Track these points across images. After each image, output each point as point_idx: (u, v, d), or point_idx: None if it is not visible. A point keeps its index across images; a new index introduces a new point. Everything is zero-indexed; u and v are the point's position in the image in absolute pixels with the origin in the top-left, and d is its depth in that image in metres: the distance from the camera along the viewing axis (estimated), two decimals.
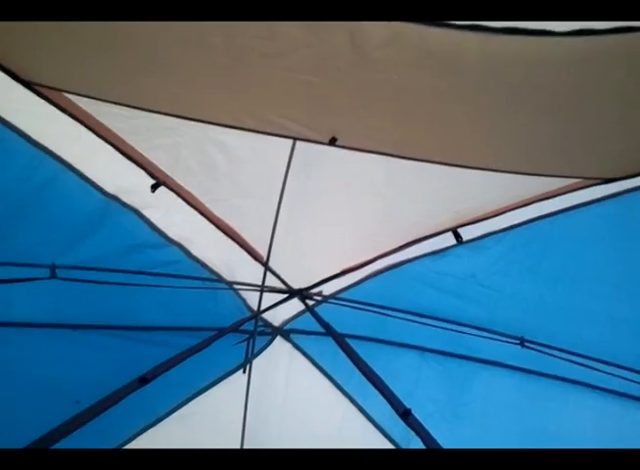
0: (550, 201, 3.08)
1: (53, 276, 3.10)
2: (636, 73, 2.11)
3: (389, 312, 3.67)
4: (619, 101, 2.27)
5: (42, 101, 2.51)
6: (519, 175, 2.84)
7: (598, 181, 2.87)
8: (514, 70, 2.07)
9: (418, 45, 1.97)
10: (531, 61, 2.01)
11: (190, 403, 3.88)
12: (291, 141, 2.82)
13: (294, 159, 2.97)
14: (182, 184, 3.10)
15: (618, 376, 3.36)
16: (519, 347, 3.59)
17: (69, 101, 2.54)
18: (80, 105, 2.58)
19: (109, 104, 2.52)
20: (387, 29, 1.93)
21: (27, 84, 2.39)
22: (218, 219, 3.33)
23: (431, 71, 2.11)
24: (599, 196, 3.03)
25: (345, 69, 2.13)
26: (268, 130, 2.60)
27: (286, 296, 3.78)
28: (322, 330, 3.29)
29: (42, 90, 2.45)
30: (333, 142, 2.62)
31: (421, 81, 2.18)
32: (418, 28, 1.90)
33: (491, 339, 3.60)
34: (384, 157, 2.77)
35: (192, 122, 2.61)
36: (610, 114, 2.34)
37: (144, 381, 2.41)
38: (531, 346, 3.57)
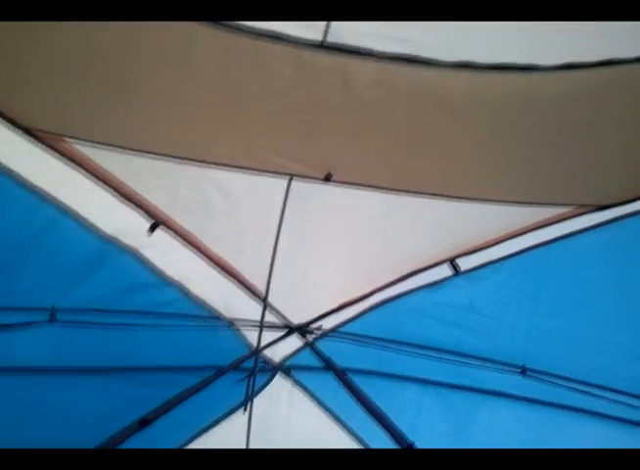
0: (546, 229, 3.10)
1: (53, 320, 3.10)
2: (623, 104, 2.16)
3: (390, 345, 3.66)
4: (612, 131, 2.32)
5: (40, 146, 2.53)
6: (514, 205, 2.88)
7: (593, 208, 2.91)
8: (505, 105, 2.12)
9: (407, 85, 2.04)
10: (521, 96, 2.06)
11: (191, 444, 3.84)
12: (287, 178, 2.85)
13: (290, 195, 2.99)
14: (180, 223, 3.12)
15: (620, 402, 3.35)
16: (520, 376, 3.58)
17: (68, 145, 2.57)
18: (79, 148, 2.61)
19: (107, 147, 2.55)
20: (376, 70, 1.98)
21: (27, 130, 2.42)
22: (216, 257, 3.34)
23: (422, 108, 2.16)
24: (594, 223, 3.05)
25: (338, 108, 2.18)
26: (264, 169, 2.64)
27: (285, 332, 3.77)
28: (323, 365, 3.28)
29: (41, 135, 2.47)
30: (328, 178, 2.65)
31: (412, 119, 2.23)
32: (406, 69, 1.96)
33: (492, 369, 3.59)
34: (379, 190, 2.80)
35: (189, 162, 2.65)
36: (603, 143, 2.39)
37: (145, 423, 2.40)
38: (533, 374, 3.56)
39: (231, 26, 1.87)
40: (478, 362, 3.62)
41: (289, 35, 1.90)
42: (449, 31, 1.91)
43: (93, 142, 2.52)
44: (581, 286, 3.35)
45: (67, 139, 2.52)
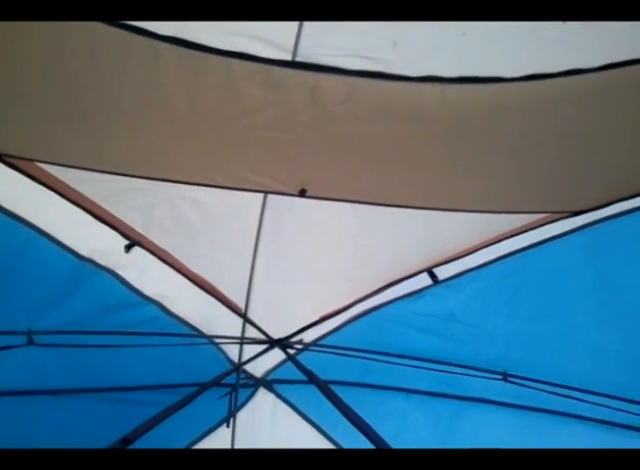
0: (522, 236, 3.13)
1: (30, 343, 3.08)
2: (590, 112, 2.19)
3: (371, 356, 3.67)
4: (581, 138, 2.35)
5: (11, 170, 2.52)
6: (488, 213, 2.91)
7: (566, 214, 2.94)
8: (472, 116, 2.13)
9: (376, 99, 2.05)
10: (488, 107, 2.08)
11: None
12: (262, 194, 2.86)
13: (266, 210, 3.01)
14: (157, 242, 3.11)
15: (603, 405, 3.37)
16: (502, 382, 3.60)
17: (40, 169, 2.56)
18: (51, 172, 2.60)
19: (79, 169, 2.54)
20: (345, 86, 1.99)
21: None
22: (194, 275, 3.34)
23: (392, 122, 2.17)
24: (568, 229, 3.08)
25: (309, 124, 2.19)
26: (239, 186, 2.64)
27: (266, 346, 3.77)
28: (305, 378, 3.27)
29: (13, 161, 2.46)
30: (303, 193, 2.66)
31: (383, 132, 2.24)
32: (374, 84, 1.97)
33: (474, 376, 3.60)
34: (355, 203, 2.81)
35: (163, 182, 2.64)
36: (572, 150, 2.42)
37: (126, 442, 2.37)
38: (514, 380, 3.58)
39: (198, 47, 1.88)
40: (460, 370, 3.63)
41: (257, 55, 1.91)
42: (415, 47, 1.93)
43: (64, 166, 2.51)
44: (559, 291, 3.37)
45: (38, 163, 2.51)
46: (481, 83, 1.99)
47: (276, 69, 1.95)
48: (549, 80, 1.97)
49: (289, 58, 1.92)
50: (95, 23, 1.77)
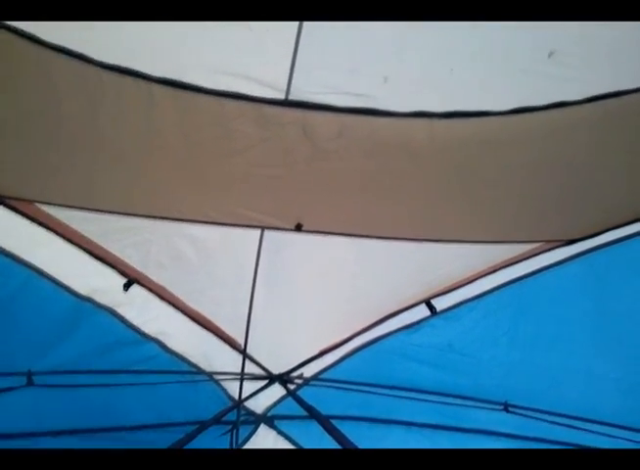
0: (518, 265, 3.15)
1: (30, 384, 3.07)
2: (578, 143, 2.23)
3: (372, 389, 3.66)
4: (571, 169, 2.39)
5: (10, 211, 2.55)
6: (484, 244, 2.93)
7: (560, 243, 2.96)
8: (462, 149, 2.18)
9: (367, 134, 2.09)
10: (477, 140, 2.12)
11: None
12: (259, 229, 2.88)
13: (263, 245, 3.02)
14: (155, 280, 3.13)
15: (604, 434, 3.36)
16: (503, 412, 3.59)
17: (38, 209, 2.59)
18: (49, 211, 2.63)
19: (77, 209, 2.57)
20: (336, 123, 2.04)
21: None
22: (193, 311, 3.34)
23: (383, 157, 2.22)
24: (564, 257, 3.10)
25: (302, 160, 2.23)
26: (235, 222, 2.67)
27: (266, 382, 3.75)
28: (306, 414, 3.26)
29: (10, 202, 2.49)
30: (299, 228, 2.69)
31: (375, 166, 2.28)
32: (365, 120, 2.01)
33: (475, 407, 3.59)
34: (351, 236, 2.84)
35: (160, 220, 2.67)
36: (564, 181, 2.46)
37: None
38: (515, 410, 3.57)
39: (190, 87, 1.92)
40: (460, 401, 3.62)
41: (248, 94, 1.95)
42: (404, 84, 1.97)
43: (62, 206, 2.54)
44: (557, 319, 3.38)
45: (36, 204, 2.54)
46: (470, 118, 2.03)
47: (268, 107, 1.99)
48: (535, 113, 2.02)
49: (281, 96, 1.97)
50: (89, 65, 1.82)
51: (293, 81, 1.93)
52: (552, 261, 3.14)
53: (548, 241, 2.98)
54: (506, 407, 3.59)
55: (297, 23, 1.77)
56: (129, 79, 1.85)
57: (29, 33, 1.73)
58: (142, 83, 1.87)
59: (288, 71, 1.89)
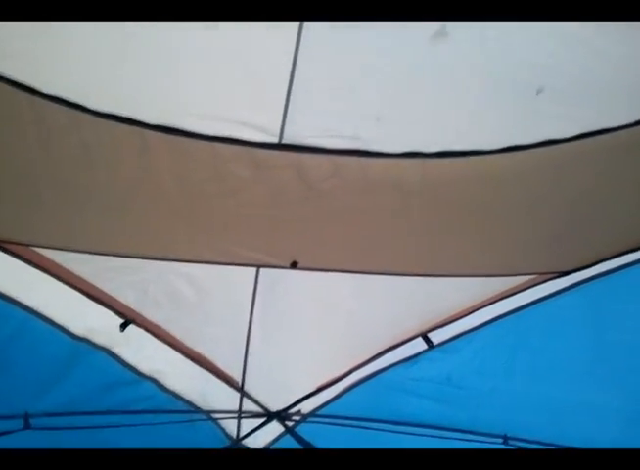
0: (514, 296, 3.15)
1: (27, 427, 3.05)
2: (571, 178, 2.26)
3: (370, 424, 3.64)
4: (564, 204, 2.42)
5: (4, 254, 2.55)
6: (479, 278, 2.95)
7: (555, 275, 2.97)
8: (455, 187, 2.20)
9: (360, 174, 2.12)
10: (470, 177, 2.15)
11: None
12: (254, 268, 2.89)
13: (259, 283, 3.03)
14: (151, 319, 3.12)
15: None
16: (503, 445, 3.57)
17: (33, 252, 2.60)
18: (44, 253, 2.64)
19: (72, 251, 2.58)
20: (329, 164, 2.06)
21: None
22: (190, 350, 3.33)
23: (377, 195, 2.24)
24: (559, 288, 3.11)
25: (296, 200, 2.25)
26: (231, 261, 2.68)
27: (264, 419, 3.73)
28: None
29: (6, 245, 2.50)
30: (294, 266, 2.69)
31: (369, 204, 2.31)
32: (358, 160, 2.04)
33: (474, 440, 3.57)
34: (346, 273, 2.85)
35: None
36: (556, 215, 2.48)
37: None
38: (515, 442, 3.55)
39: (184, 132, 1.95)
40: (459, 435, 3.60)
41: (243, 139, 1.98)
42: (396, 126, 2.00)
43: (57, 249, 2.55)
44: (556, 350, 3.37)
45: (31, 247, 2.55)
46: (461, 156, 2.06)
47: (261, 151, 2.02)
48: (526, 151, 2.04)
49: (275, 140, 1.99)
50: (84, 113, 1.84)
51: (286, 125, 1.95)
52: (550, 292, 3.14)
53: (542, 273, 2.99)
54: (506, 440, 3.57)
55: (289, 67, 1.79)
56: (124, 126, 1.87)
57: (24, 83, 1.75)
58: (136, 130, 1.89)
59: (281, 116, 1.92)
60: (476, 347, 3.43)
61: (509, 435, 3.56)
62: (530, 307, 3.22)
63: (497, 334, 3.37)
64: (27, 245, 2.54)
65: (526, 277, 3.03)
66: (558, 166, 2.16)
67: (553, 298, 3.15)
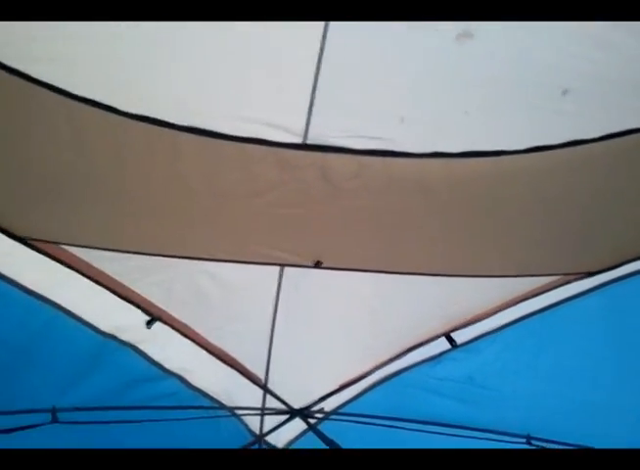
0: (537, 298, 3.14)
1: (54, 420, 3.11)
2: (595, 178, 2.25)
3: (392, 423, 3.65)
4: (589, 204, 2.41)
5: (35, 252, 2.60)
6: (502, 278, 2.95)
7: (580, 276, 2.96)
8: (479, 187, 2.21)
9: (385, 175, 2.13)
10: (494, 177, 2.15)
11: None
12: (279, 267, 2.92)
13: (283, 281, 3.05)
14: (177, 317, 3.17)
15: None
16: (526, 445, 3.56)
17: (63, 250, 2.65)
18: (74, 252, 2.68)
19: (101, 250, 2.63)
20: (354, 164, 2.08)
21: (23, 240, 2.50)
22: (214, 347, 3.37)
23: (401, 195, 2.26)
24: (584, 289, 3.10)
25: (321, 200, 2.27)
26: (256, 260, 2.71)
27: (287, 416, 3.76)
28: (327, 448, 3.26)
29: (37, 244, 2.55)
30: (318, 265, 2.72)
31: (393, 204, 2.32)
32: (382, 161, 2.05)
33: (497, 440, 3.56)
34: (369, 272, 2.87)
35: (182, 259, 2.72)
36: (581, 215, 2.48)
37: None
38: (538, 443, 3.54)
39: (213, 134, 1.98)
40: (482, 435, 3.59)
41: (269, 139, 2.01)
42: (421, 126, 2.01)
43: (87, 247, 2.60)
44: (579, 352, 3.36)
45: (61, 245, 2.60)
46: (485, 157, 2.07)
47: (287, 151, 2.04)
48: (551, 151, 2.04)
49: (299, 141, 2.02)
50: (116, 116, 1.88)
51: (310, 126, 1.97)
52: (572, 293, 3.13)
53: (566, 274, 2.98)
54: (529, 440, 3.56)
55: (314, 68, 1.81)
56: (155, 128, 1.91)
57: (57, 86, 1.79)
58: (167, 131, 1.92)
59: (305, 116, 1.94)
60: (499, 347, 3.44)
61: (532, 435, 3.55)
62: (554, 309, 3.22)
63: (521, 335, 3.37)
64: (58, 243, 2.59)
65: (551, 278, 3.02)
66: (583, 167, 2.16)
67: (577, 299, 3.14)
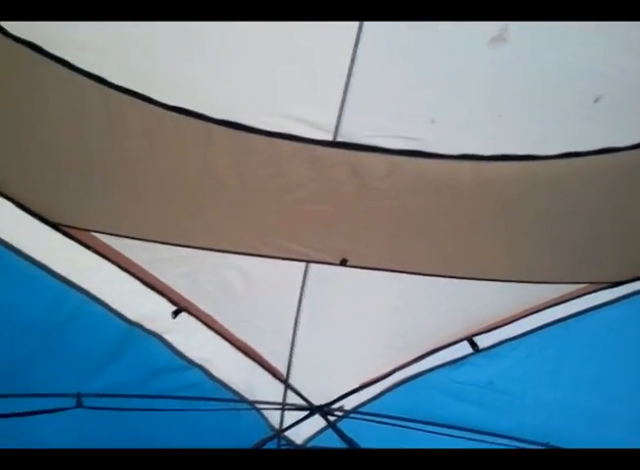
0: (561, 306, 3.12)
1: (79, 405, 3.16)
2: (625, 187, 2.24)
3: (411, 425, 3.64)
4: (615, 212, 2.40)
5: (67, 239, 2.66)
6: (527, 283, 2.94)
7: (605, 286, 2.94)
8: (508, 191, 2.21)
9: (415, 175, 2.14)
10: (523, 182, 2.16)
11: None
12: (304, 263, 2.94)
13: (308, 278, 3.08)
14: (202, 308, 3.21)
15: None
16: None
17: (94, 237, 2.70)
18: (103, 240, 2.74)
19: (131, 238, 2.68)
20: (385, 163, 2.10)
21: (55, 226, 2.56)
22: (238, 340, 3.41)
23: (430, 196, 2.27)
24: (608, 299, 3.07)
25: (350, 198, 2.29)
26: (282, 256, 2.73)
27: (307, 413, 3.78)
28: (345, 446, 3.27)
29: (68, 230, 2.61)
30: (344, 263, 2.74)
31: (422, 205, 2.33)
32: (414, 161, 2.07)
33: (516, 447, 3.55)
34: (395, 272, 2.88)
35: (210, 251, 2.76)
36: (609, 223, 2.47)
37: None
38: None
39: (247, 128, 2.01)
40: (501, 440, 3.58)
41: (301, 136, 2.03)
42: (451, 128, 2.03)
43: (118, 235, 2.65)
44: (601, 362, 3.33)
45: (92, 233, 2.65)
46: (516, 161, 2.07)
47: (318, 148, 2.07)
48: (582, 158, 2.04)
49: (330, 138, 2.04)
50: (152, 106, 1.93)
51: (342, 123, 2.00)
52: (597, 303, 3.10)
53: (591, 283, 2.96)
54: (548, 448, 3.54)
55: (347, 67, 1.84)
56: (189, 120, 1.95)
57: (97, 75, 1.84)
58: (200, 124, 1.96)
59: (337, 114, 1.97)
60: (521, 354, 3.41)
61: (551, 443, 3.53)
62: (578, 317, 3.19)
63: (542, 343, 3.35)
64: (88, 230, 2.64)
65: (575, 286, 3.00)
66: (614, 174, 2.15)
67: (601, 308, 3.11)
